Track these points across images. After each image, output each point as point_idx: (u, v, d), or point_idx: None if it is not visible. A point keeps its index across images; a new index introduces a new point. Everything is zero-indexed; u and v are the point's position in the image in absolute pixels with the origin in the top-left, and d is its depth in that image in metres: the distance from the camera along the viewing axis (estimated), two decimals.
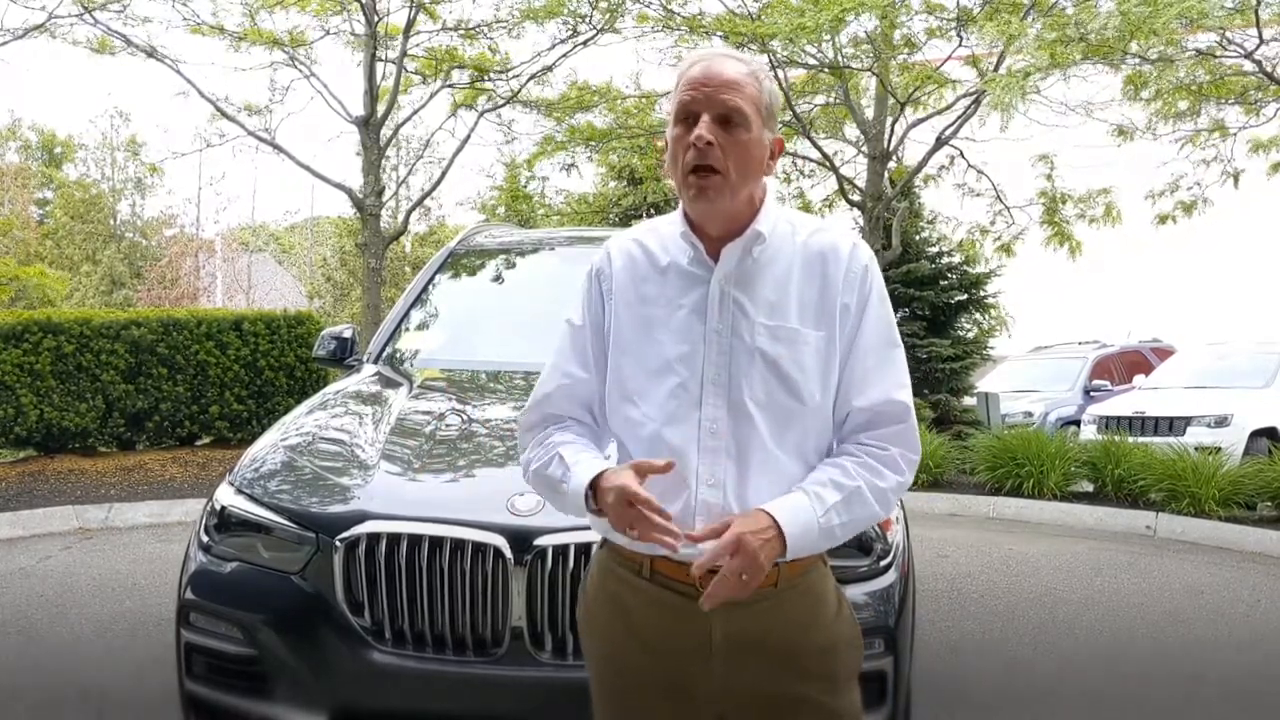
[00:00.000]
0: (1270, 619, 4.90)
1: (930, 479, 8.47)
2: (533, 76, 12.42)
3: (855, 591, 2.46)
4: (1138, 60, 9.39)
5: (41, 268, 16.37)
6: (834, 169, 12.48)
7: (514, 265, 4.69)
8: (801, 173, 14.82)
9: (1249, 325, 16.12)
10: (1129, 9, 7.88)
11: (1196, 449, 7.93)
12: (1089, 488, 8.10)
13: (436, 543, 2.42)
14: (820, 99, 13.32)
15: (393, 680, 2.40)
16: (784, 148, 1.65)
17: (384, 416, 3.14)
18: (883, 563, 2.59)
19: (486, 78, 12.49)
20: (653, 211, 16.54)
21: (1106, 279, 19.45)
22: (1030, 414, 12.75)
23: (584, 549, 2.36)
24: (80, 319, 8.60)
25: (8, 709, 3.53)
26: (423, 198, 14.89)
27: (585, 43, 11.98)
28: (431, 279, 4.48)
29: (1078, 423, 11.77)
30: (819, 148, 12.41)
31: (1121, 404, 11.07)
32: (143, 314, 9.08)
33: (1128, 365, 14.65)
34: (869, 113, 12.53)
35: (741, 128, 1.52)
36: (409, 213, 14.24)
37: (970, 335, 14.68)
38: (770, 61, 10.87)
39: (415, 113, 13.01)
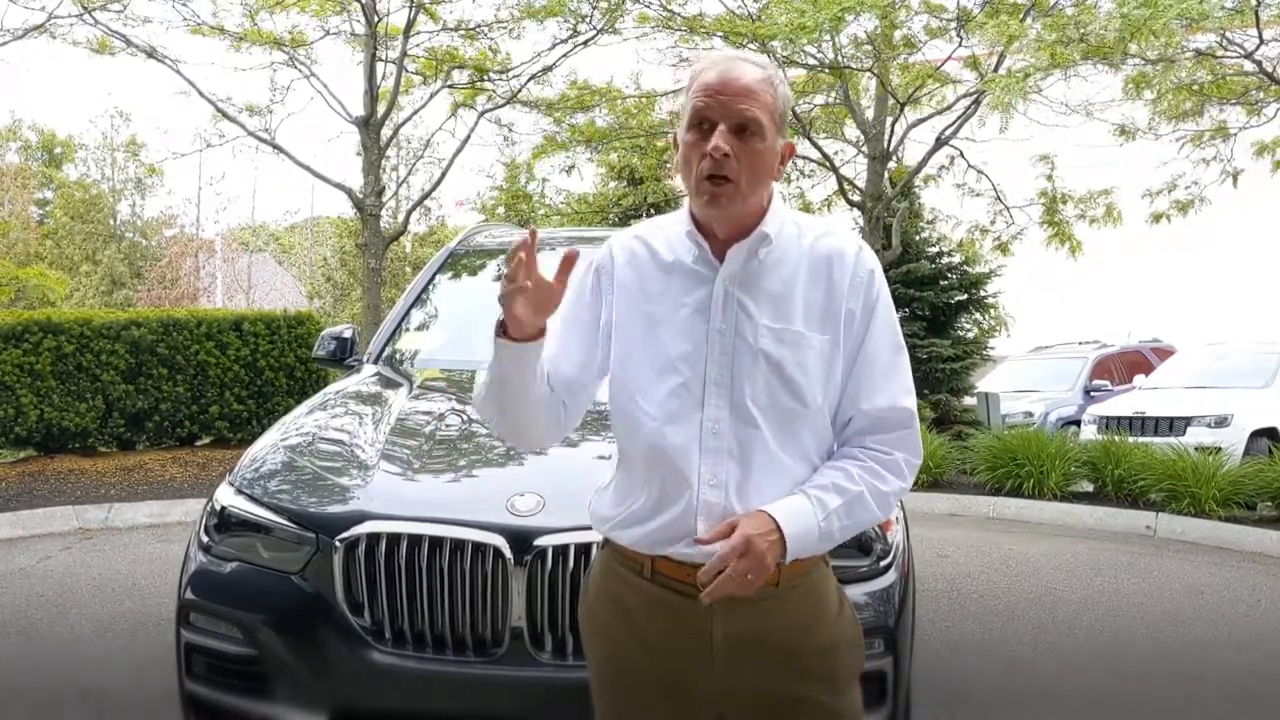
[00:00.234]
0: (1270, 619, 4.90)
1: (930, 479, 8.47)
2: (533, 77, 12.43)
3: (855, 591, 2.46)
4: (1138, 61, 9.39)
5: (41, 268, 16.37)
6: (834, 169, 12.49)
7: None
8: (801, 173, 14.82)
9: (1249, 325, 16.13)
10: (1129, 10, 7.88)
11: (1196, 449, 7.93)
12: (1089, 488, 8.10)
13: (436, 543, 2.42)
14: (820, 99, 13.32)
15: (393, 680, 2.40)
16: (794, 152, 1.65)
17: (384, 417, 3.14)
18: (883, 563, 2.59)
19: (486, 78, 12.49)
20: (652, 211, 16.54)
21: (1106, 279, 19.46)
22: (1030, 414, 12.74)
23: (584, 549, 2.36)
24: (80, 319, 8.61)
25: (8, 709, 3.53)
26: (423, 198, 14.89)
27: (585, 43, 11.99)
28: (431, 279, 4.48)
29: (1078, 423, 11.77)
30: (819, 148, 12.42)
31: (1121, 404, 11.07)
32: (143, 314, 9.08)
33: (1128, 365, 14.65)
34: (869, 113, 12.53)
35: (757, 137, 1.51)
36: (409, 213, 14.24)
37: (970, 335, 14.68)
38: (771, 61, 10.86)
39: (415, 113, 13.03)
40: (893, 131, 12.10)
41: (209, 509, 2.81)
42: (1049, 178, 12.89)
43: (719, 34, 10.96)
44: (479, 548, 2.40)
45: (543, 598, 2.38)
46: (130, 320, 8.77)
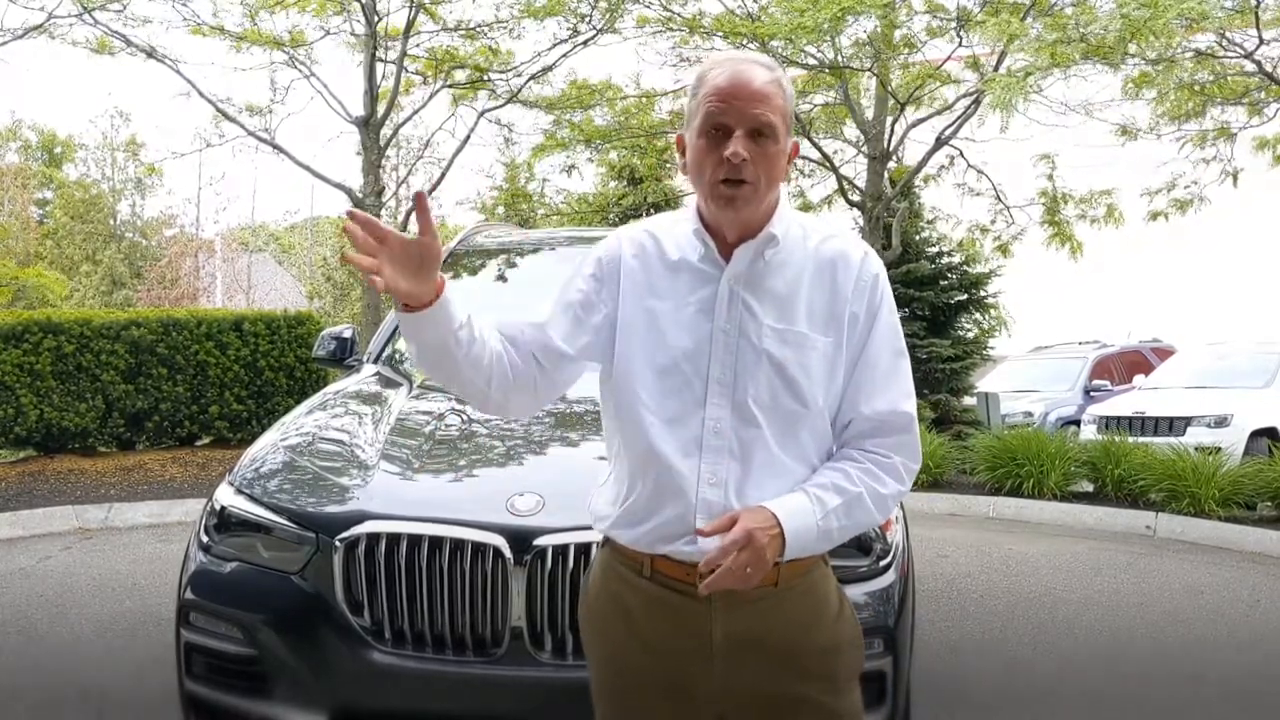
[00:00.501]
0: (1270, 619, 4.90)
1: (930, 479, 8.47)
2: (533, 76, 12.43)
3: (855, 591, 2.46)
4: (1138, 61, 9.39)
5: (41, 269, 16.39)
6: (834, 169, 12.49)
7: (514, 265, 4.69)
8: (801, 173, 14.82)
9: (1249, 325, 16.13)
10: (1129, 10, 7.89)
11: (1196, 449, 7.93)
12: (1089, 488, 8.09)
13: (436, 543, 2.42)
14: (820, 99, 13.33)
15: (392, 680, 2.40)
16: (799, 152, 1.65)
17: (384, 416, 3.14)
18: (882, 563, 2.59)
19: (487, 76, 12.49)
20: (652, 211, 16.54)
21: (1106, 279, 19.46)
22: (1030, 414, 12.74)
23: (584, 549, 2.36)
24: (80, 319, 8.61)
25: (8, 709, 3.53)
26: None
27: (585, 43, 11.99)
28: None
29: (1078, 423, 11.77)
30: (819, 147, 12.42)
31: (1121, 404, 11.07)
32: (143, 314, 9.09)
33: (1128, 365, 14.65)
34: (869, 113, 12.53)
35: (771, 140, 1.52)
36: (409, 213, 14.22)
37: (970, 335, 14.67)
38: None
39: (415, 113, 13.03)
40: (893, 131, 12.10)
41: (209, 509, 2.81)
42: (1049, 177, 12.89)
43: (719, 34, 10.96)
44: (479, 548, 2.40)
45: (542, 598, 2.38)
46: (130, 320, 8.77)
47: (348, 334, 4.30)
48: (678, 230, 1.64)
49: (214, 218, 37.69)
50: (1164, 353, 14.53)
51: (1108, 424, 10.19)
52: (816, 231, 1.63)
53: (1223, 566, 6.08)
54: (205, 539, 2.74)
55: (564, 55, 12.20)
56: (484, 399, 1.59)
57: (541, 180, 18.41)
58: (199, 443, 9.32)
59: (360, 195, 11.68)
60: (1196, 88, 10.76)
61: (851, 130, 13.61)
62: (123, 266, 22.37)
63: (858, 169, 13.59)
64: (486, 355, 1.55)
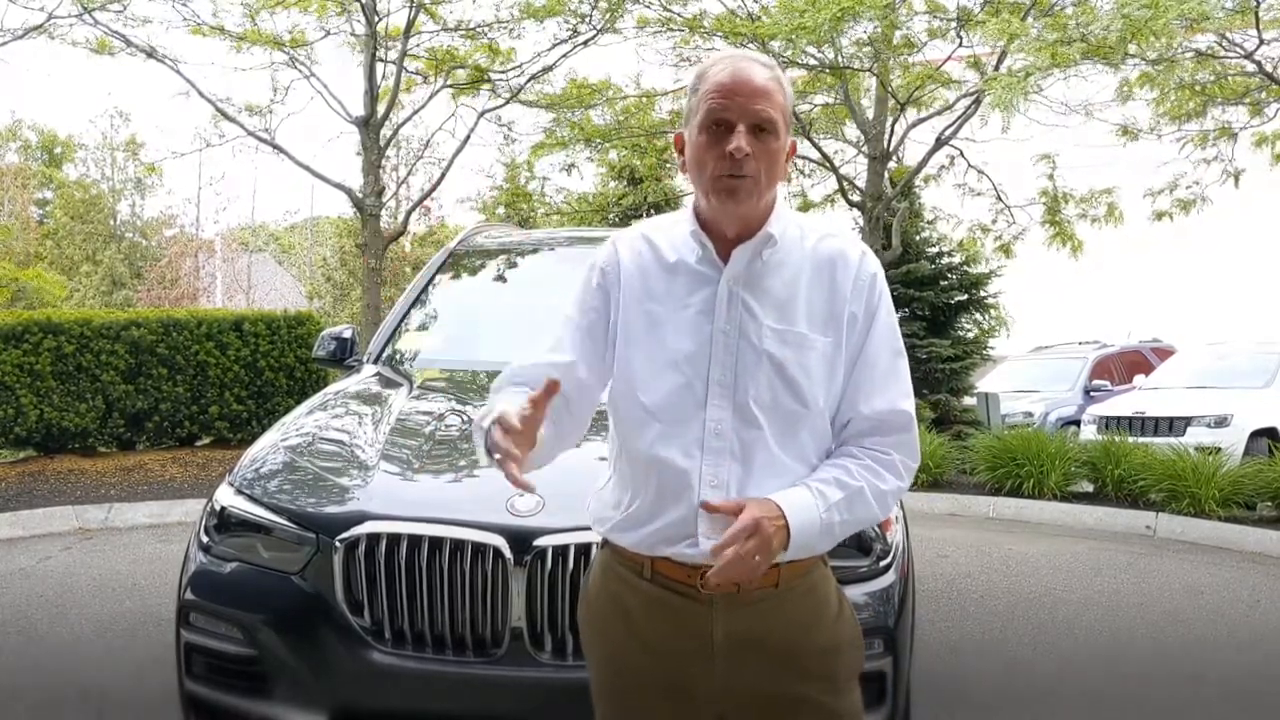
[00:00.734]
0: (1270, 619, 4.90)
1: (930, 479, 8.47)
2: (533, 77, 12.43)
3: (855, 592, 2.46)
4: (1138, 61, 9.39)
5: (40, 270, 16.38)
6: (834, 169, 12.49)
7: (514, 265, 4.69)
8: (802, 173, 14.84)
9: (1249, 325, 16.14)
10: (1130, 10, 7.89)
11: (1196, 449, 7.93)
12: (1089, 488, 8.10)
13: (436, 543, 2.42)
14: (821, 99, 13.33)
15: (392, 680, 2.40)
16: (796, 150, 1.66)
17: (384, 417, 3.14)
18: (882, 563, 2.59)
19: (487, 75, 12.49)
20: (652, 211, 16.55)
21: (1107, 279, 19.46)
22: (1030, 414, 12.74)
23: (584, 550, 2.36)
24: (80, 319, 8.61)
25: (8, 709, 3.53)
26: (423, 198, 14.89)
27: (585, 43, 11.99)
28: (431, 279, 4.48)
29: (1078, 423, 11.77)
30: (819, 148, 12.43)
31: (1121, 404, 11.07)
32: (143, 314, 9.09)
33: (1128, 365, 14.65)
34: (869, 113, 12.54)
35: (772, 136, 1.53)
36: (409, 213, 14.23)
37: (970, 335, 14.68)
38: None
39: (415, 113, 13.01)
40: (893, 131, 12.11)
41: (209, 509, 2.81)
42: (1050, 177, 12.89)
43: (719, 34, 10.97)
44: (479, 548, 2.40)
45: (542, 598, 2.38)
46: (130, 320, 8.77)
47: (348, 334, 4.30)
48: (674, 232, 1.64)
49: (214, 218, 37.67)
50: (1164, 353, 14.53)
51: (1108, 424, 10.19)
52: (814, 231, 1.63)
53: (1223, 566, 6.08)
54: (205, 539, 2.74)
55: (564, 55, 12.22)
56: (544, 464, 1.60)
57: (542, 179, 18.43)
58: (199, 443, 9.32)
59: (360, 195, 11.68)
60: (1197, 88, 10.76)
61: (852, 130, 13.62)
62: (123, 266, 22.37)
63: (858, 169, 13.60)
64: (553, 441, 1.55)
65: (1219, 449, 8.13)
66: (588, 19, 11.65)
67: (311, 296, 25.17)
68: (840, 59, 11.18)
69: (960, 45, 11.18)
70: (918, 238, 14.40)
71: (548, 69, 12.34)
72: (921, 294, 13.85)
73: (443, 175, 13.57)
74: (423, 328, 4.32)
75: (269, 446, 3.00)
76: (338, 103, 11.68)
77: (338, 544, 2.46)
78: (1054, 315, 19.12)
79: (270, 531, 2.62)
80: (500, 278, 4.63)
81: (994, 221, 13.66)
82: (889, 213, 12.30)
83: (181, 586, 2.72)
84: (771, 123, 1.52)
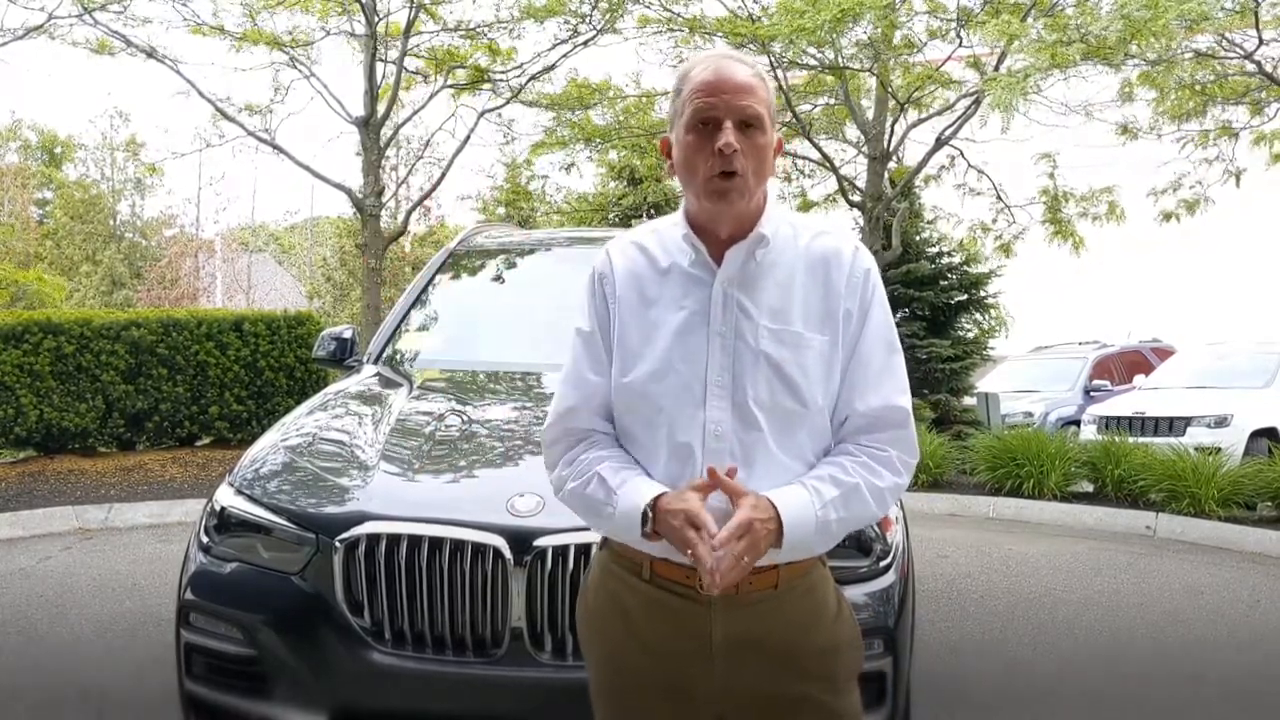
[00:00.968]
0: (1270, 619, 4.91)
1: (930, 479, 8.47)
2: (533, 77, 12.43)
3: (855, 592, 2.46)
4: (1139, 62, 9.39)
5: (40, 272, 16.37)
6: (834, 169, 12.49)
7: (514, 266, 4.69)
8: (802, 173, 14.84)
9: (1249, 325, 16.13)
10: (1130, 11, 7.89)
11: (1196, 449, 7.93)
12: (1089, 488, 8.09)
13: (436, 543, 2.42)
14: (821, 100, 13.33)
15: (392, 681, 2.40)
16: (783, 146, 1.66)
17: (384, 417, 3.14)
18: (882, 563, 2.59)
19: (487, 75, 12.49)
20: (653, 211, 16.56)
21: (1106, 279, 19.47)
22: (1030, 414, 12.74)
23: (584, 550, 2.36)
24: (80, 319, 8.61)
25: (8, 709, 3.53)
26: (423, 198, 14.89)
27: (585, 43, 11.99)
28: (431, 279, 4.48)
29: (1078, 423, 11.77)
30: (819, 148, 12.43)
31: (1121, 404, 11.07)
32: (143, 314, 9.09)
33: (1128, 365, 14.65)
34: (869, 113, 12.54)
35: (759, 131, 1.53)
36: (409, 213, 14.23)
37: (970, 335, 14.68)
38: (771, 63, 10.89)
39: (415, 113, 13.03)
40: (893, 132, 12.10)
41: (209, 509, 2.81)
42: (1051, 175, 12.89)
43: (719, 34, 10.97)
44: (479, 548, 2.40)
45: (542, 598, 2.38)
46: (130, 320, 8.77)
47: (348, 334, 4.30)
48: (666, 237, 1.65)
49: (214, 218, 37.71)
50: (1164, 353, 14.53)
51: (1108, 424, 10.19)
52: (806, 229, 1.64)
53: (1223, 566, 6.08)
54: (205, 539, 2.74)
55: (564, 55, 12.22)
56: None
57: (542, 179, 18.44)
58: (199, 443, 9.32)
59: (360, 195, 11.68)
60: (1197, 87, 10.76)
61: (852, 131, 13.62)
62: (122, 267, 22.38)
63: (858, 169, 13.60)
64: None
65: (1219, 449, 8.13)
66: (588, 19, 11.65)
67: (311, 296, 25.18)
68: (840, 60, 11.18)
69: (960, 45, 11.19)
70: (918, 238, 14.40)
71: (548, 69, 12.35)
72: (921, 294, 13.85)
73: (443, 175, 13.60)
74: (423, 328, 4.31)
75: (269, 447, 3.00)
76: (338, 103, 11.70)
77: (338, 544, 2.46)
78: (1054, 315, 19.12)
79: (270, 532, 2.62)
80: (500, 278, 4.63)
81: (994, 221, 13.66)
82: (889, 213, 12.30)
83: (181, 586, 2.72)
84: (758, 118, 1.53)
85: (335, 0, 11.34)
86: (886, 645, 2.50)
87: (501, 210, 19.16)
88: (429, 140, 16.22)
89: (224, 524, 2.72)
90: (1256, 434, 9.58)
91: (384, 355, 4.07)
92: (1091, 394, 13.36)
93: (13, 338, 8.26)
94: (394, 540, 2.44)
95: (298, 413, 3.37)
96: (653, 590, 1.58)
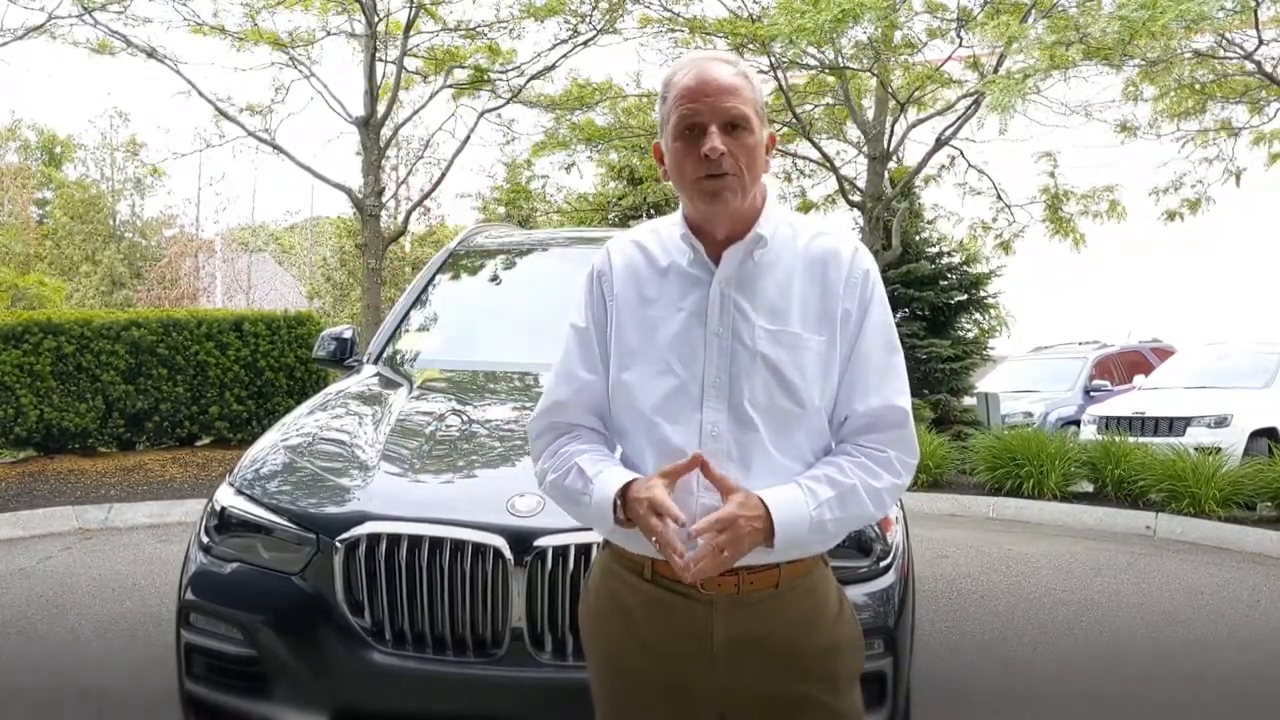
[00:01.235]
0: (1270, 619, 4.91)
1: (930, 479, 8.47)
2: (534, 76, 12.43)
3: (855, 592, 2.46)
4: (1138, 62, 9.40)
5: (40, 276, 16.37)
6: (834, 170, 12.49)
7: (514, 266, 4.69)
8: (802, 173, 14.84)
9: (1249, 325, 16.13)
10: (1128, 12, 7.89)
11: (1196, 449, 7.93)
12: (1089, 488, 8.10)
13: (437, 543, 2.42)
14: (822, 100, 13.33)
15: (393, 681, 2.40)
16: (775, 142, 1.66)
17: (384, 417, 3.14)
18: (883, 563, 2.59)
19: (487, 76, 12.49)
20: (653, 211, 16.55)
21: (1106, 279, 19.46)
22: (1030, 414, 12.74)
23: (584, 550, 2.36)
24: (80, 320, 8.61)
25: (8, 709, 3.53)
26: (423, 198, 14.88)
27: (586, 43, 11.99)
28: (431, 279, 4.48)
29: (1078, 423, 11.77)
30: (819, 148, 12.42)
31: (1121, 404, 11.07)
32: (143, 314, 9.09)
33: (1128, 365, 14.65)
34: (870, 113, 12.54)
35: (746, 131, 1.53)
36: (409, 213, 14.23)
37: (970, 335, 14.68)
38: (771, 63, 10.89)
39: (415, 113, 13.03)
40: (893, 132, 12.10)
41: (209, 509, 2.81)
42: (1051, 174, 12.88)
43: (719, 35, 10.97)
44: (479, 548, 2.40)
45: (543, 598, 2.38)
46: (130, 320, 8.77)
47: (348, 334, 4.30)
48: (666, 236, 1.65)
49: (214, 218, 37.72)
50: (1164, 353, 14.54)
51: (1108, 424, 10.19)
52: (806, 230, 1.63)
53: (1223, 567, 6.08)
54: (205, 540, 2.74)
55: (564, 55, 12.22)
56: None
57: (543, 179, 18.43)
58: (199, 443, 9.32)
59: (360, 195, 11.68)
60: (1197, 86, 10.76)
61: (852, 131, 13.62)
62: (122, 267, 22.36)
63: (858, 169, 13.59)
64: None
65: (1219, 449, 8.13)
66: (588, 19, 11.65)
67: (311, 297, 25.18)
68: (840, 60, 11.18)
69: (960, 45, 11.18)
70: (918, 238, 14.39)
71: (548, 69, 12.35)
72: (921, 294, 13.85)
73: (443, 175, 13.60)
74: (423, 328, 4.32)
75: (269, 447, 3.00)
76: (338, 103, 11.70)
77: (338, 544, 2.46)
78: (1054, 315, 19.11)
79: (270, 532, 2.62)
80: (500, 278, 4.63)
81: (994, 220, 13.65)
82: (889, 213, 12.30)
83: (182, 587, 2.72)
84: (744, 118, 1.52)
85: (335, 0, 11.34)
86: (887, 645, 2.51)
87: (501, 210, 19.15)
88: (429, 140, 16.25)
89: (224, 524, 2.72)
90: (1256, 434, 9.58)
91: (384, 355, 4.07)
92: (1091, 394, 13.36)
93: (13, 338, 8.26)
94: (394, 540, 2.44)
95: (298, 413, 3.37)
96: (654, 590, 1.58)
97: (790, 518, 1.49)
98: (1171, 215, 12.37)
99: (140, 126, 51.66)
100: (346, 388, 3.64)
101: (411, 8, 11.50)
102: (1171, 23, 7.82)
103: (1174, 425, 9.86)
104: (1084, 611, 4.93)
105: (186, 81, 11.25)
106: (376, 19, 11.41)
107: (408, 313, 4.31)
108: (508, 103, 12.76)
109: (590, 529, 1.71)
